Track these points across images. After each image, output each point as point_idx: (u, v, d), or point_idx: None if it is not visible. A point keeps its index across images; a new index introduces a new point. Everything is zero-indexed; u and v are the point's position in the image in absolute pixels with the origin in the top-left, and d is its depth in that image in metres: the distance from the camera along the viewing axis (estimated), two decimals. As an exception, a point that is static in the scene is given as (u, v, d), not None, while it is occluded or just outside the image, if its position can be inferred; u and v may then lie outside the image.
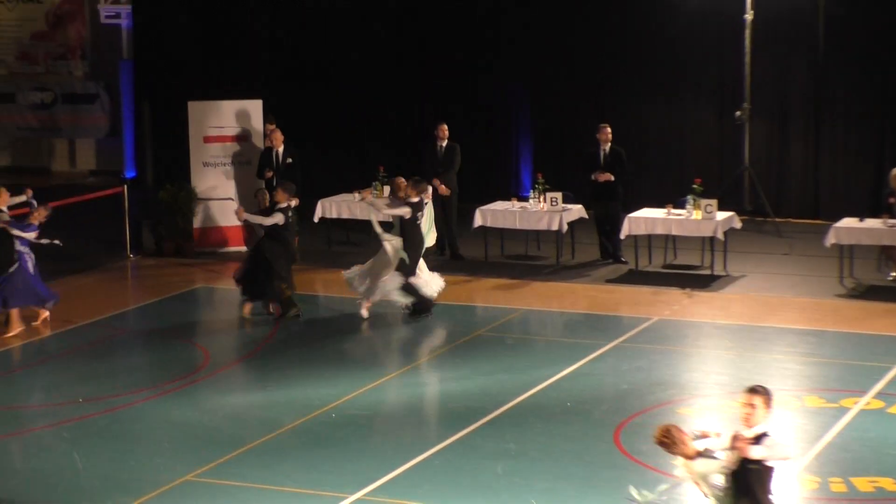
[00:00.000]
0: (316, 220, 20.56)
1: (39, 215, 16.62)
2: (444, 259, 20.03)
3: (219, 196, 20.78)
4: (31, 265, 16.43)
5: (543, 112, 23.49)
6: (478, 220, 19.77)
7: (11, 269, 16.32)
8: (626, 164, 19.50)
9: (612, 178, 19.35)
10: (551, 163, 22.23)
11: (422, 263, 17.14)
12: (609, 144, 19.44)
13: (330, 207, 20.58)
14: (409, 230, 16.84)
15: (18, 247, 16.37)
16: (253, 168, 20.43)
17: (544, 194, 19.65)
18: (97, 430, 13.02)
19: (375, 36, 24.15)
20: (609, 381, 14.38)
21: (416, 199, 16.87)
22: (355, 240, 21.14)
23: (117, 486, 11.55)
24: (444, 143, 20.11)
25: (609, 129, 19.44)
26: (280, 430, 12.85)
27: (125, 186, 21.10)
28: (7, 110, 27.53)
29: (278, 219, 16.97)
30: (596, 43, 22.95)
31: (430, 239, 17.73)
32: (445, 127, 20.09)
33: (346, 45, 24.26)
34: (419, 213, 16.97)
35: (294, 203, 17.57)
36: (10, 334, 16.09)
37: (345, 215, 20.60)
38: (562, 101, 23.23)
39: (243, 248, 20.71)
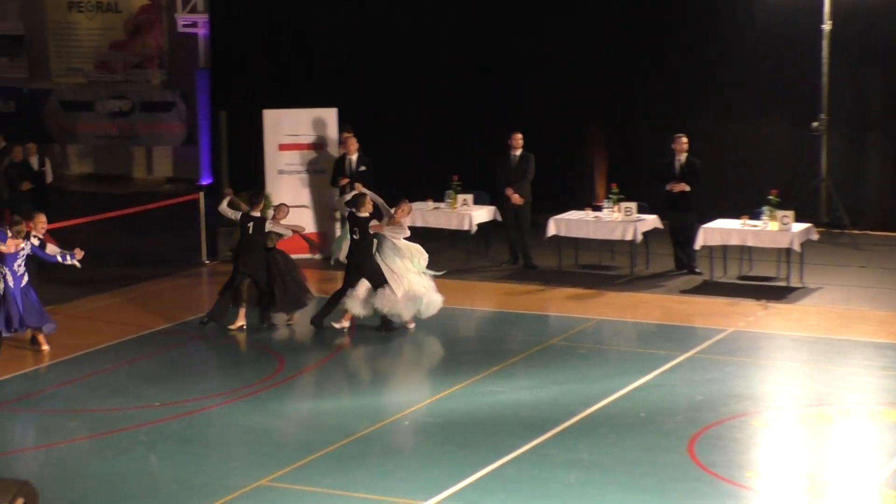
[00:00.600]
0: (389, 228, 20.59)
1: (37, 225, 15.90)
2: (518, 268, 20.03)
3: (293, 203, 20.88)
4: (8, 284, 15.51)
5: (619, 122, 23.41)
6: (551, 230, 19.74)
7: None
8: (701, 175, 19.39)
9: (688, 189, 19.25)
10: (626, 172, 22.15)
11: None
12: (685, 155, 19.35)
13: (403, 216, 20.58)
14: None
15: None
16: (327, 176, 20.53)
17: (619, 204, 19.60)
18: (173, 433, 13.13)
19: (451, 44, 24.20)
20: (683, 392, 14.30)
21: (361, 215, 16.75)
22: (428, 248, 21.13)
23: (192, 490, 11.64)
24: (518, 153, 20.11)
25: (685, 140, 19.35)
26: (353, 437, 12.90)
27: (201, 193, 21.29)
28: (86, 118, 27.87)
29: (234, 217, 17.09)
30: (672, 53, 22.86)
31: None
32: (519, 136, 20.09)
33: (420, 52, 24.32)
34: (355, 229, 16.75)
35: (271, 226, 16.98)
36: None
37: (418, 223, 20.61)
38: (638, 111, 23.15)
39: (317, 256, 20.84)
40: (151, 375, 15.15)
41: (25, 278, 15.65)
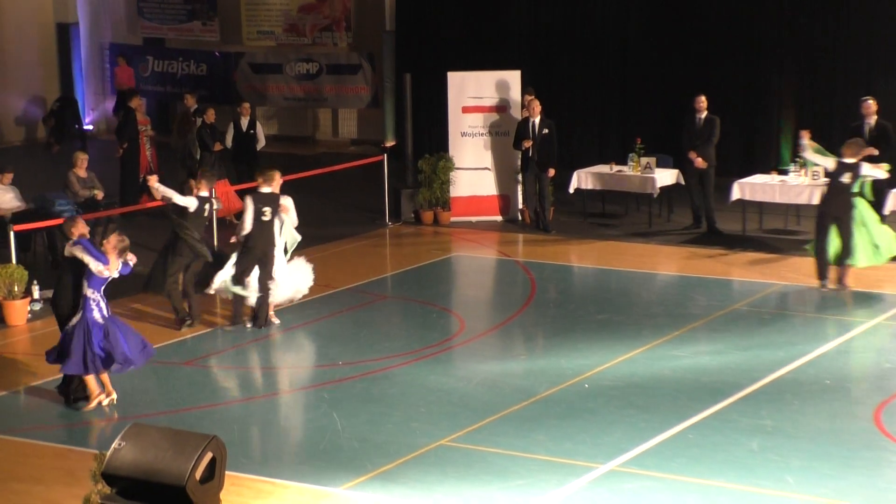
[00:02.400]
0: (571, 190, 20.57)
1: (116, 244, 12.86)
2: (701, 232, 19.81)
3: (476, 166, 21.00)
4: (98, 316, 12.69)
5: (808, 84, 22.92)
6: (735, 194, 19.48)
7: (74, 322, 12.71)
8: (893, 139, 18.88)
9: (876, 153, 18.75)
10: (814, 136, 21.64)
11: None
12: (874, 118, 18.87)
13: (585, 178, 20.55)
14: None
15: (88, 291, 12.65)
16: (510, 139, 20.55)
17: (805, 168, 19.22)
18: (356, 392, 13.34)
19: (635, 4, 23.96)
20: (870, 360, 14.02)
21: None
22: (611, 212, 21.09)
23: (375, 448, 11.83)
24: (703, 115, 19.83)
25: (872, 102, 18.85)
26: (533, 399, 12.95)
27: (385, 155, 21.51)
28: (275, 80, 28.31)
29: (189, 203, 15.13)
30: (862, 12, 22.28)
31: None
32: (704, 99, 19.81)
33: (604, 14, 24.14)
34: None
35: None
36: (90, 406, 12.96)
37: (600, 186, 20.55)
38: (826, 74, 22.63)
39: (499, 218, 20.90)
40: (335, 335, 15.40)
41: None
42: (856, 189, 16.67)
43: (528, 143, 20.04)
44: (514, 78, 21.12)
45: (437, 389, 13.39)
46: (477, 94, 21.03)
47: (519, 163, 20.50)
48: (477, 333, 15.38)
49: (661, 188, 20.15)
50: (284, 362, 14.48)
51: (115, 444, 9.43)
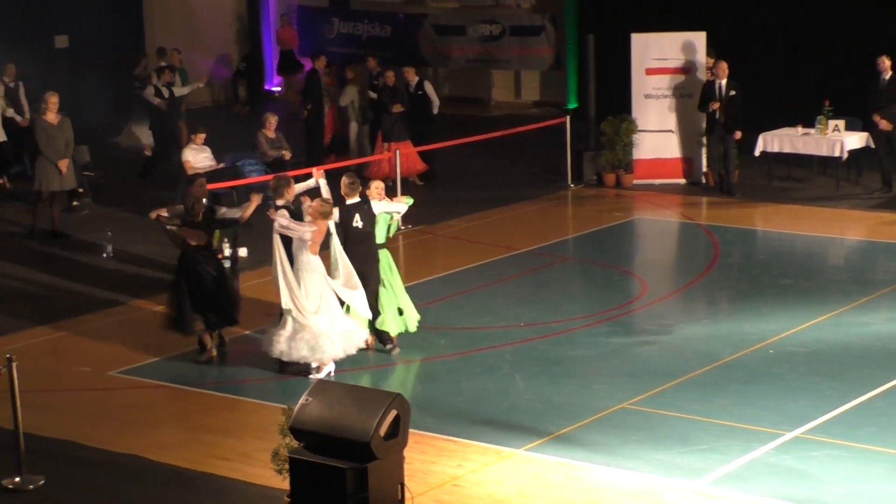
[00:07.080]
0: (756, 153, 20.26)
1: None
2: (890, 196, 19.34)
3: (659, 128, 20.81)
4: None
5: None
6: (928, 157, 19.01)
7: None
8: None
9: None
10: None
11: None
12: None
13: (771, 141, 20.22)
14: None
15: None
16: (694, 101, 20.30)
17: None
18: (537, 353, 13.39)
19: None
20: None
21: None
22: (797, 175, 20.70)
23: (554, 410, 11.87)
24: (887, 76, 19.33)
25: None
26: (716, 364, 12.84)
27: (567, 118, 21.43)
28: (458, 42, 28.35)
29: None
30: None
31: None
32: (887, 59, 19.30)
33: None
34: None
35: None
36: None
37: (786, 149, 20.20)
38: None
39: (682, 181, 20.69)
40: (515, 296, 15.45)
41: None
42: (382, 238, 13.38)
43: (715, 105, 19.76)
44: (699, 39, 20.82)
45: (618, 352, 13.37)
46: (661, 56, 20.81)
47: (704, 125, 20.24)
48: (659, 297, 15.29)
49: (850, 151, 19.72)
50: (466, 323, 14.58)
51: (302, 400, 9.62)
